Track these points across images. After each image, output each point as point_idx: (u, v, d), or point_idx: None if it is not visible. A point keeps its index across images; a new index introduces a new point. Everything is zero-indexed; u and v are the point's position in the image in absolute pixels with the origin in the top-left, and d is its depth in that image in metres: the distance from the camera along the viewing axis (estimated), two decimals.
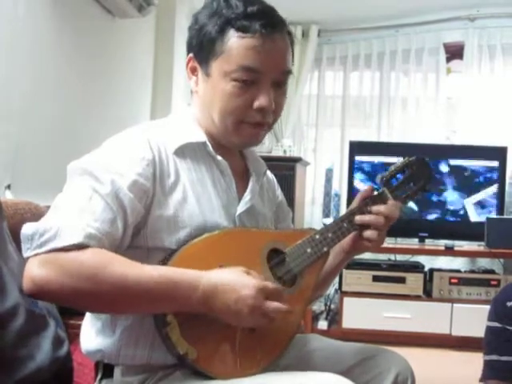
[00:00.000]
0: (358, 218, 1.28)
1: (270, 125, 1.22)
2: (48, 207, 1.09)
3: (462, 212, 3.73)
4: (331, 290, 3.74)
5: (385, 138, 4.24)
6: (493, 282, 3.50)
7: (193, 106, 1.27)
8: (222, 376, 1.10)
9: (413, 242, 3.85)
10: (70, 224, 1.01)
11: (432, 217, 3.76)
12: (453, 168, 3.74)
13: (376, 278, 3.56)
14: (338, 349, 1.32)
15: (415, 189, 1.35)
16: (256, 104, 1.16)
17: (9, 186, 2.05)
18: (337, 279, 3.56)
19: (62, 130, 2.46)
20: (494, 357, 2.00)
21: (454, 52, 4.21)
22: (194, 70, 1.23)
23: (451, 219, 3.75)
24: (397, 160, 1.38)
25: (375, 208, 1.28)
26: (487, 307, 2.12)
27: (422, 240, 3.78)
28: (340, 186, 4.29)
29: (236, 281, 1.05)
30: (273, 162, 2.37)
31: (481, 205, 3.70)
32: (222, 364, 1.11)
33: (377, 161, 3.78)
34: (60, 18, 2.40)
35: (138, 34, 3.26)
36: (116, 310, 1.09)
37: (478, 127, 4.04)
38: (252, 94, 1.16)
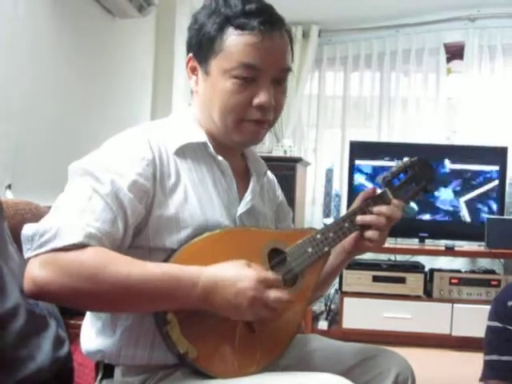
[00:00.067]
0: (359, 219, 1.27)
1: (270, 122, 1.22)
2: (48, 207, 1.09)
3: (462, 212, 3.73)
4: (331, 290, 3.74)
5: (385, 138, 4.24)
6: (493, 283, 3.50)
7: (193, 105, 1.27)
8: (221, 375, 1.10)
9: (413, 242, 3.85)
10: (70, 224, 1.01)
11: (432, 217, 3.76)
12: (453, 168, 3.74)
13: (376, 278, 3.56)
14: (339, 349, 1.32)
15: (417, 189, 1.35)
16: (256, 101, 1.16)
17: (9, 186, 2.05)
18: (337, 279, 3.56)
19: (62, 130, 2.46)
20: (494, 357, 2.00)
21: (455, 52, 4.21)
22: (193, 70, 1.23)
23: (451, 219, 3.74)
24: (396, 161, 1.38)
25: (377, 208, 1.28)
26: (487, 307, 2.11)
27: (422, 240, 3.79)
28: (340, 187, 4.30)
29: (236, 274, 1.04)
30: (273, 162, 2.38)
31: (481, 205, 3.70)
32: (222, 363, 1.11)
33: (377, 165, 3.78)
34: (60, 17, 2.40)
35: (138, 34, 3.26)
36: (117, 309, 1.09)
37: (478, 127, 4.04)
38: (252, 92, 1.16)
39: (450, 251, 3.58)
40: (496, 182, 3.69)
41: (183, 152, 1.19)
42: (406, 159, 1.35)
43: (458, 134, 4.17)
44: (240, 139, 1.21)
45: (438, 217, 3.75)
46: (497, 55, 4.06)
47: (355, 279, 3.56)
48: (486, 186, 3.70)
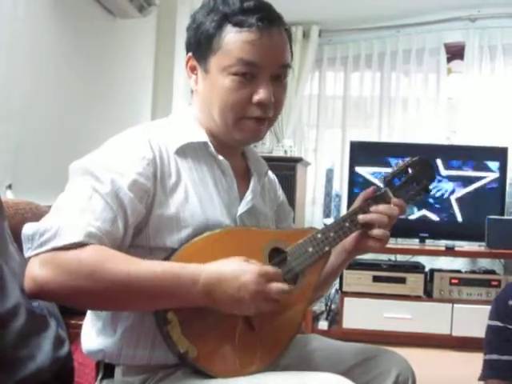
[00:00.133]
0: (362, 217, 1.27)
1: (270, 120, 1.22)
2: (49, 207, 1.09)
3: (462, 212, 3.72)
4: (332, 290, 3.74)
5: (385, 138, 4.24)
6: (493, 283, 3.50)
7: (193, 105, 1.27)
8: (222, 374, 1.10)
9: (413, 243, 3.85)
10: (70, 223, 1.01)
11: (432, 217, 3.76)
12: (453, 168, 3.73)
13: (376, 279, 3.56)
14: (339, 349, 1.32)
15: (418, 189, 1.35)
16: (255, 98, 1.16)
17: (10, 186, 2.05)
18: (337, 279, 3.55)
19: (62, 130, 2.46)
20: (494, 356, 2.00)
21: (455, 52, 4.21)
22: (193, 69, 1.23)
23: (451, 220, 3.74)
24: (397, 161, 1.38)
25: (378, 208, 1.27)
26: (488, 308, 2.12)
27: (422, 240, 3.78)
28: (341, 187, 4.30)
29: (237, 269, 1.05)
30: (273, 163, 2.37)
31: (481, 205, 3.69)
32: (223, 362, 1.11)
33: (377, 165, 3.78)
34: (60, 18, 2.40)
35: (138, 34, 3.26)
36: (117, 307, 1.09)
37: (478, 127, 4.04)
38: (251, 89, 1.16)
39: (450, 251, 3.57)
40: (496, 182, 3.69)
41: (184, 151, 1.19)
42: (407, 159, 1.35)
43: (458, 134, 4.17)
44: (240, 137, 1.21)
45: (439, 217, 3.75)
46: (497, 55, 4.06)
47: (355, 279, 3.56)
48: (486, 186, 3.70)
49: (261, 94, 1.16)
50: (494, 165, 3.70)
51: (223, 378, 1.09)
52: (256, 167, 1.33)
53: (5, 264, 1.19)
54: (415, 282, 3.54)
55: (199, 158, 1.21)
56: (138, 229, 1.11)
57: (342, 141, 4.34)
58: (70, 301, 1.06)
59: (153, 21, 3.42)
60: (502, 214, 3.66)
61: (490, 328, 2.05)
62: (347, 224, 1.27)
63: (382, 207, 1.27)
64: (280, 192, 1.45)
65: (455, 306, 3.46)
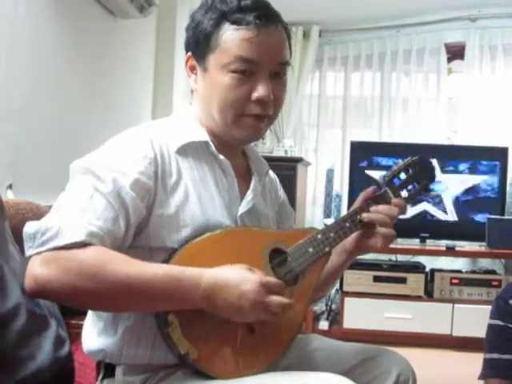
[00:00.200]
0: (365, 216, 1.27)
1: (270, 118, 1.22)
2: (49, 207, 1.09)
3: (462, 212, 3.72)
4: (332, 290, 3.74)
5: (386, 138, 4.24)
6: (494, 283, 3.50)
7: (193, 104, 1.27)
8: (222, 375, 1.10)
9: (414, 243, 3.85)
10: (71, 222, 1.01)
11: (433, 217, 3.76)
12: (453, 168, 3.73)
13: (377, 279, 3.56)
14: (339, 349, 1.32)
15: (418, 188, 1.35)
16: (254, 95, 1.16)
17: (10, 186, 2.05)
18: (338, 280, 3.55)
19: (62, 130, 2.46)
20: (495, 355, 2.00)
21: (455, 52, 4.21)
22: (192, 69, 1.23)
23: (452, 219, 3.74)
24: (397, 161, 1.38)
25: (378, 208, 1.27)
26: (488, 308, 2.12)
27: (423, 240, 3.78)
28: (341, 187, 4.30)
29: (239, 277, 1.05)
30: (274, 162, 2.36)
31: (481, 205, 3.69)
32: (223, 363, 1.11)
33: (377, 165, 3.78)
34: (61, 18, 2.40)
35: (139, 34, 3.26)
36: (118, 308, 1.09)
37: (478, 127, 4.04)
38: (250, 86, 1.16)
39: (450, 251, 3.57)
40: (496, 182, 3.69)
41: (185, 151, 1.19)
42: (407, 158, 1.35)
43: (458, 134, 4.17)
44: (240, 135, 1.21)
45: (439, 217, 3.75)
46: (497, 55, 4.06)
47: (356, 279, 3.56)
48: (486, 185, 3.70)
49: (260, 91, 1.16)
50: (494, 165, 3.70)
51: (224, 379, 1.09)
52: (257, 167, 1.33)
53: (5, 264, 1.19)
54: (416, 282, 3.54)
55: (200, 158, 1.21)
56: (139, 228, 1.11)
57: (342, 141, 4.34)
58: (71, 301, 1.05)
59: (153, 21, 3.42)
60: (502, 214, 3.66)
61: (490, 327, 2.05)
62: (347, 224, 1.27)
63: (381, 207, 1.27)
64: (281, 192, 1.45)
65: (456, 306, 3.45)
